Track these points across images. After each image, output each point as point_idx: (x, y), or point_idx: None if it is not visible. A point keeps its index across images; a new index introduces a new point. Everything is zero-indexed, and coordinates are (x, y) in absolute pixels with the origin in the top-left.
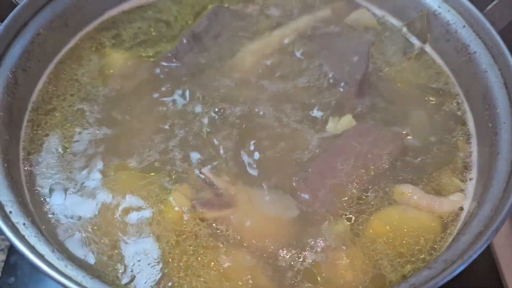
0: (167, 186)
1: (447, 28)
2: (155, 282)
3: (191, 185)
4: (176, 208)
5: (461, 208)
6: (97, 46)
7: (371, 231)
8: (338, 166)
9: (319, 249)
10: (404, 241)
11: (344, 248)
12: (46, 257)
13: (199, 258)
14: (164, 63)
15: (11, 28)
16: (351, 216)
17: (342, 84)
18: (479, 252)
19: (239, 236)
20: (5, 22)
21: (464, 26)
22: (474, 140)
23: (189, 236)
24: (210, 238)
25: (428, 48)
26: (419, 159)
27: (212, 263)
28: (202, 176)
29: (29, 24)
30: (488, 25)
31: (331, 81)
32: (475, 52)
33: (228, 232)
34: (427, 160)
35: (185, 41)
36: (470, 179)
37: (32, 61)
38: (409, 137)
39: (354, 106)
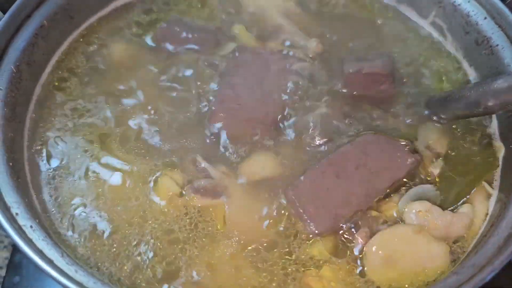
0: (157, 170)
1: (467, 20)
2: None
3: (183, 171)
4: (165, 193)
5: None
6: (102, 37)
7: (363, 257)
8: (335, 177)
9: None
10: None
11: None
12: (55, 262)
13: (186, 247)
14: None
15: (14, 20)
16: (341, 236)
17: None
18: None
19: (226, 227)
20: (8, 13)
21: (485, 18)
22: (498, 141)
23: (178, 224)
24: (197, 226)
25: (447, 41)
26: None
27: (200, 252)
28: (197, 164)
29: (32, 16)
30: (511, 16)
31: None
32: (497, 45)
33: (215, 222)
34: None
35: (165, 25)
36: (495, 180)
37: (37, 54)
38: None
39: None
